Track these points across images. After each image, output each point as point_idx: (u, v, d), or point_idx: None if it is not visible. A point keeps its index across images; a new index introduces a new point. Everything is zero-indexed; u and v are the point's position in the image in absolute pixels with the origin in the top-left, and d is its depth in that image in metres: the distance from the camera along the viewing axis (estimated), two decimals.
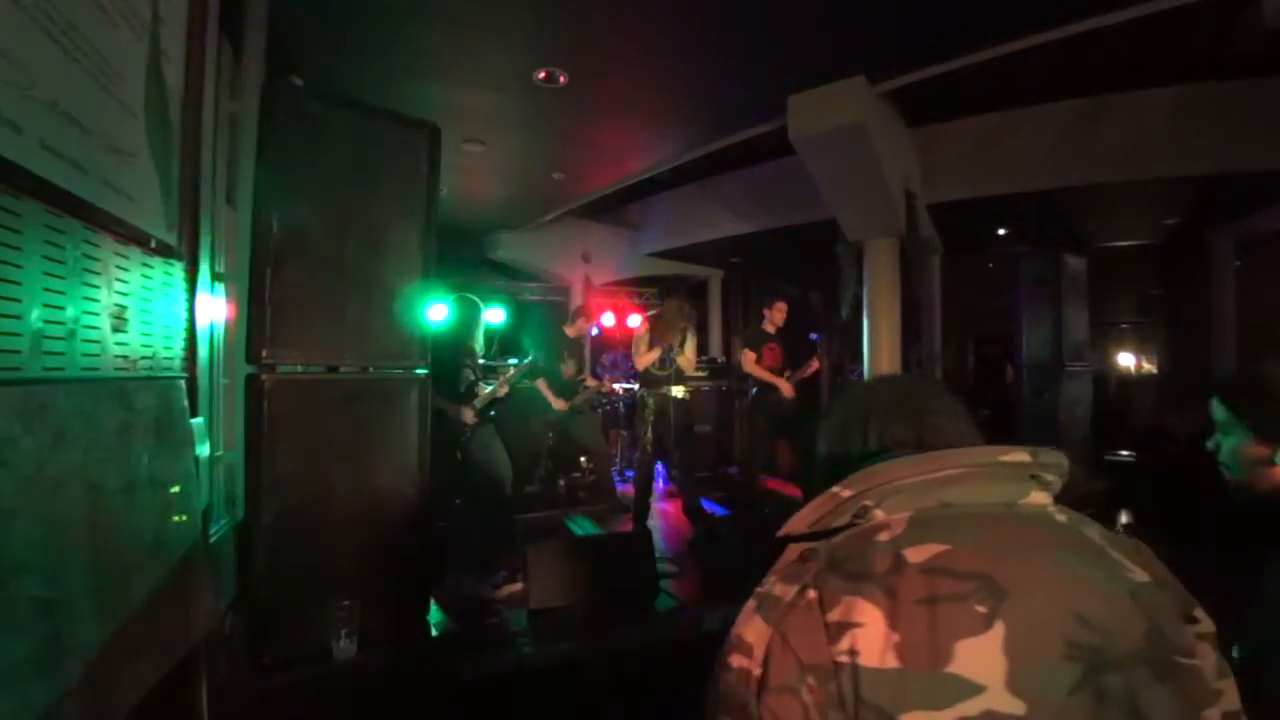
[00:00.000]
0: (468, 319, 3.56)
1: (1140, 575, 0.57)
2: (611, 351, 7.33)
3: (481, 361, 3.66)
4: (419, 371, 2.15)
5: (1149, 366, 8.98)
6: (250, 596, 1.79)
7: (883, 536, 0.56)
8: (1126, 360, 9.15)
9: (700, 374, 6.78)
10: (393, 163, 2.11)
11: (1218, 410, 1.12)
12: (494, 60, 3.93)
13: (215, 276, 2.46)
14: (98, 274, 1.14)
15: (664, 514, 4.69)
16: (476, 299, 3.65)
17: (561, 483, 5.23)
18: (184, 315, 1.57)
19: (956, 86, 4.48)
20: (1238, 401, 1.10)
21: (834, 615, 0.52)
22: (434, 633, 2.12)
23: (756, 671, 0.54)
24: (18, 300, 0.92)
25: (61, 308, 1.03)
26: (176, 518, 1.38)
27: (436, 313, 3.59)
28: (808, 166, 4.73)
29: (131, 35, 1.26)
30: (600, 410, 5.74)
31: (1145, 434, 6.07)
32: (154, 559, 1.26)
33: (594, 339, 8.20)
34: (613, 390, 5.78)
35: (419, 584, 2.15)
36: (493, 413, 3.62)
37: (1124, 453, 5.55)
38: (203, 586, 1.46)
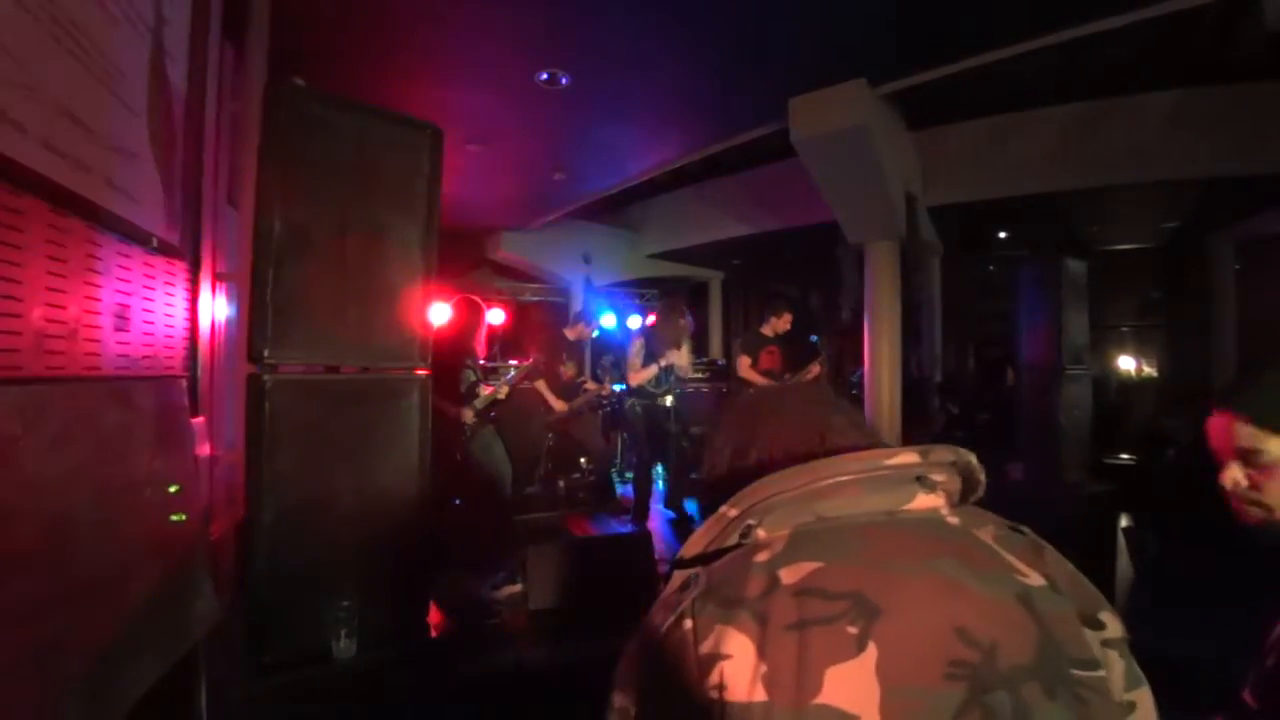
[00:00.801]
0: (469, 321, 3.57)
1: (1034, 579, 0.52)
2: (611, 353, 7.33)
3: (482, 363, 3.67)
4: (420, 372, 2.15)
5: (1149, 370, 8.98)
6: (250, 596, 1.78)
7: (761, 557, 0.52)
8: (1127, 363, 9.15)
9: (700, 375, 6.78)
10: (394, 163, 2.11)
11: None
12: (496, 61, 3.94)
13: (218, 276, 2.46)
14: (100, 273, 1.15)
15: (663, 515, 4.69)
16: (478, 301, 3.65)
17: (561, 484, 5.23)
18: (185, 314, 1.58)
19: (957, 89, 4.49)
20: None
21: (705, 647, 0.48)
22: (433, 633, 2.11)
23: (633, 710, 0.51)
24: (19, 299, 0.92)
25: (63, 306, 1.03)
26: (176, 517, 1.38)
27: (438, 314, 3.59)
28: (809, 169, 4.74)
29: (135, 35, 1.26)
30: (600, 412, 5.74)
31: (1145, 437, 6.07)
32: (153, 558, 1.26)
33: (594, 341, 8.20)
34: (612, 392, 5.78)
35: (419, 584, 2.15)
36: (493, 414, 3.62)
37: (1124, 456, 5.56)
38: (202, 586, 1.46)
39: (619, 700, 0.53)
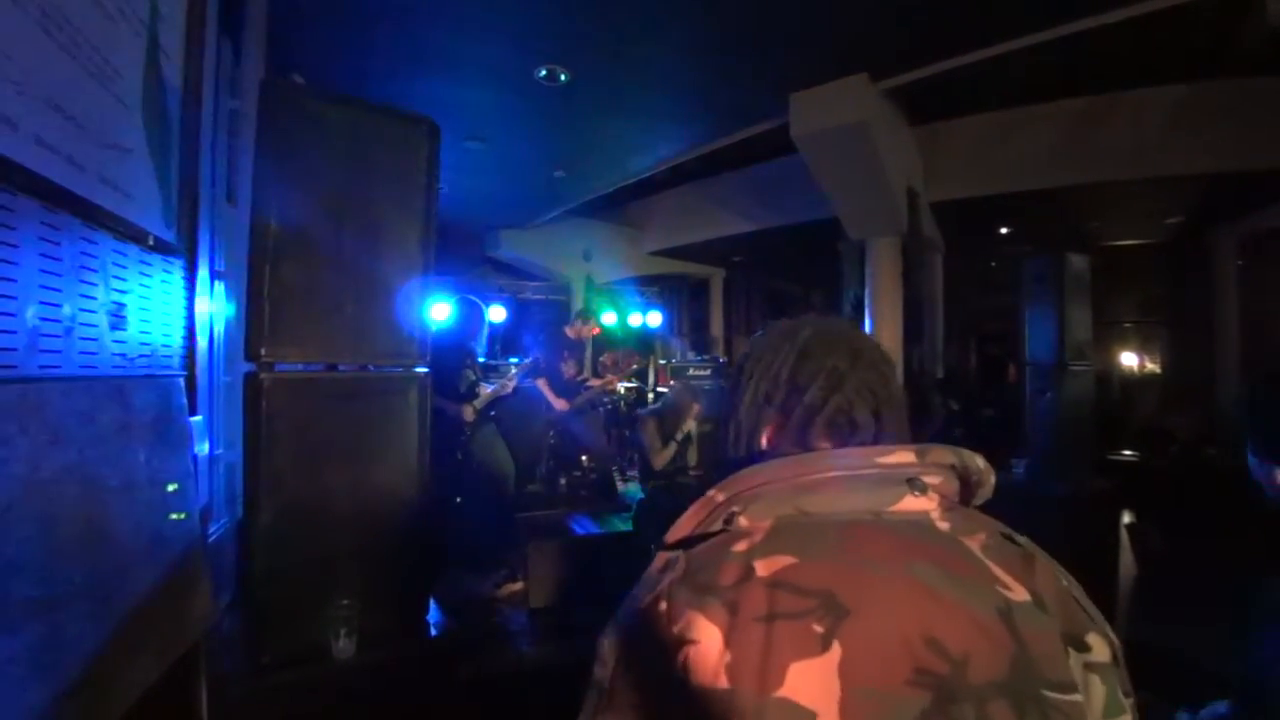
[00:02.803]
0: (469, 320, 3.58)
1: (1018, 594, 0.50)
2: (612, 351, 7.33)
3: (483, 361, 3.67)
4: (419, 370, 2.14)
5: (1152, 366, 8.97)
6: (249, 595, 1.78)
7: (739, 546, 0.52)
8: (1129, 359, 9.14)
9: (702, 373, 6.78)
10: (392, 160, 2.10)
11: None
12: (495, 57, 3.92)
13: (215, 274, 2.46)
14: (95, 271, 1.14)
15: None
16: (479, 300, 3.66)
17: (563, 482, 5.23)
18: (182, 312, 1.57)
19: (959, 85, 4.47)
20: (1239, 420, 1.09)
21: (676, 629, 0.49)
22: (434, 632, 2.11)
23: (607, 685, 0.51)
24: (14, 298, 0.91)
25: (58, 305, 1.02)
26: (174, 516, 1.37)
27: (438, 312, 3.58)
28: (810, 165, 4.72)
29: (130, 31, 1.25)
30: (601, 410, 5.73)
31: (1148, 433, 6.06)
32: (152, 558, 1.25)
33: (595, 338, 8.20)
34: (614, 389, 5.77)
35: (419, 583, 2.14)
36: (493, 412, 3.61)
37: (1127, 452, 5.55)
38: (201, 585, 1.45)
39: (596, 673, 0.53)
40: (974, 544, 0.53)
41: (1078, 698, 0.48)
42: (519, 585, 2.68)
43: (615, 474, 5.54)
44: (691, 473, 4.02)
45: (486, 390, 3.58)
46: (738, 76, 4.18)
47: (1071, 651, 0.50)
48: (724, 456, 0.66)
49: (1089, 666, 0.50)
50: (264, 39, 2.81)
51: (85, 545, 1.03)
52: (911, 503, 0.55)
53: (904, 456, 0.55)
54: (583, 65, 4.01)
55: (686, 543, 0.56)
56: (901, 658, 0.46)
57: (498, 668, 2.08)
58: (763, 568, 0.50)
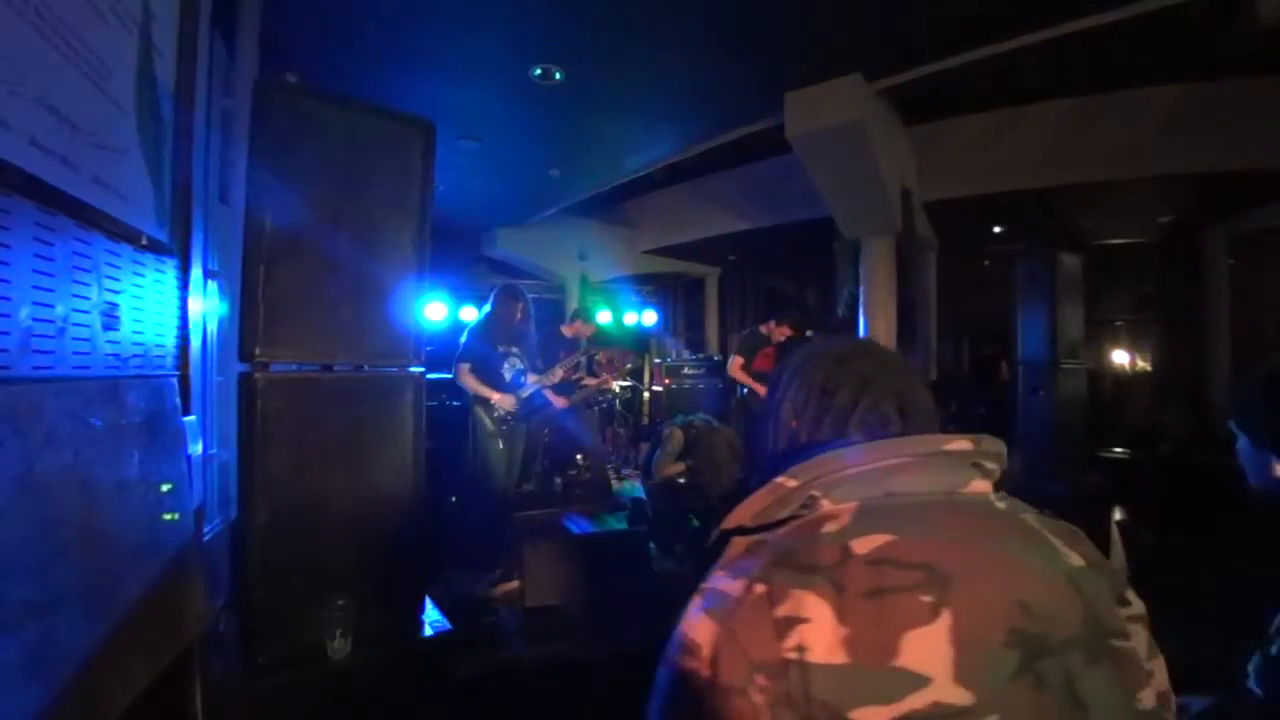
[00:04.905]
0: (507, 308, 3.55)
1: (1076, 559, 0.57)
2: (608, 350, 7.32)
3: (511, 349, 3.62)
4: (414, 370, 2.14)
5: (1143, 364, 9.03)
6: (244, 596, 1.78)
7: (829, 528, 0.55)
8: (1121, 358, 9.20)
9: (697, 371, 6.79)
10: (387, 159, 2.10)
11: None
12: (490, 56, 3.91)
13: (209, 274, 2.44)
14: (88, 271, 1.13)
15: None
16: (520, 288, 3.64)
17: (558, 480, 5.23)
18: (176, 313, 1.56)
19: (953, 85, 4.49)
20: (1232, 411, 1.10)
21: (782, 610, 0.50)
22: (429, 631, 2.11)
23: (705, 673, 0.51)
24: (8, 299, 0.91)
25: (51, 305, 1.02)
26: (169, 517, 1.37)
27: (433, 311, 3.55)
28: (805, 164, 4.73)
29: (123, 31, 1.25)
30: (596, 408, 5.73)
31: (1139, 431, 6.10)
32: (146, 559, 1.25)
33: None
34: (610, 388, 5.77)
35: (414, 582, 2.14)
36: (539, 403, 3.67)
37: (1118, 450, 5.58)
38: (196, 586, 1.45)
39: (685, 663, 0.53)
40: (1030, 519, 0.60)
41: (1132, 644, 0.55)
42: (514, 585, 2.68)
43: (611, 473, 5.54)
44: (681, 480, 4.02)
45: (534, 378, 3.59)
46: (732, 76, 4.19)
47: (1118, 607, 0.57)
48: (761, 452, 0.70)
49: (1131, 618, 0.57)
50: (257, 37, 2.80)
51: (80, 546, 1.02)
52: (977, 485, 0.61)
53: (964, 444, 0.60)
54: (577, 64, 4.00)
55: (748, 530, 0.59)
56: (999, 621, 0.51)
57: (493, 667, 2.08)
58: (860, 546, 0.53)
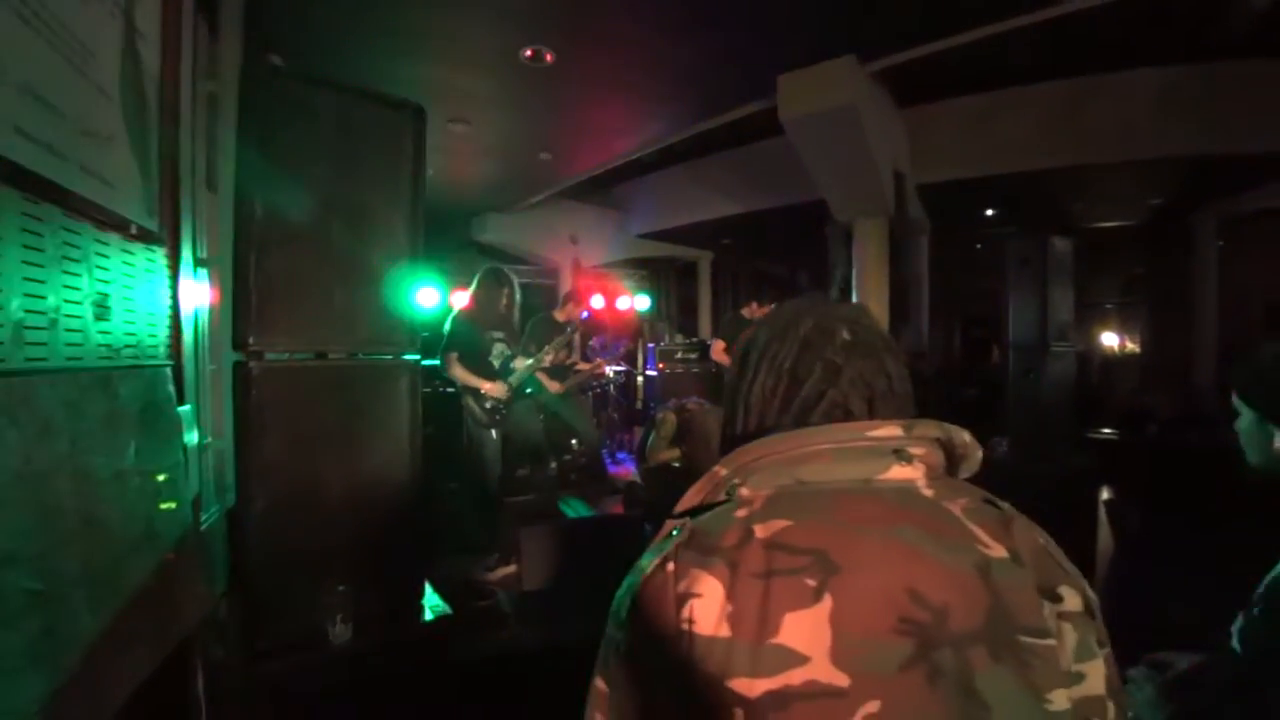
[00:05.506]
0: (491, 294, 3.48)
1: (995, 550, 0.55)
2: (601, 335, 7.32)
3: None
4: (408, 356, 2.14)
5: (1132, 346, 9.13)
6: (243, 583, 1.79)
7: (741, 513, 0.58)
8: (1110, 340, 9.29)
9: (691, 356, 6.80)
10: (377, 144, 2.07)
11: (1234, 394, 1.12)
12: (479, 38, 3.85)
13: (198, 262, 2.42)
14: (78, 261, 1.12)
15: None
16: (506, 271, 3.56)
17: (553, 465, 5.25)
18: (167, 302, 1.55)
19: (946, 67, 4.46)
20: (1240, 385, 1.10)
21: (682, 586, 0.54)
22: (428, 616, 2.13)
23: (619, 636, 0.57)
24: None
25: (42, 297, 1.01)
26: (166, 506, 1.37)
27: (426, 297, 3.50)
28: (797, 147, 4.71)
29: (105, 14, 1.22)
30: (590, 393, 5.74)
31: (1127, 412, 6.18)
32: (145, 548, 1.25)
33: (584, 321, 8.20)
34: (603, 373, 5.78)
35: (413, 567, 2.16)
36: (529, 390, 3.62)
37: (1106, 430, 5.66)
38: (195, 574, 1.46)
39: (610, 630, 0.59)
40: (955, 508, 0.58)
41: (1051, 642, 0.53)
42: (512, 568, 2.71)
43: (606, 456, 5.57)
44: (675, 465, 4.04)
45: (525, 363, 3.54)
46: (724, 57, 4.14)
47: (1045, 602, 0.54)
48: (729, 435, 0.71)
49: (1061, 615, 0.55)
50: (241, 18, 2.74)
51: (79, 536, 1.03)
52: (898, 472, 0.60)
53: (891, 430, 0.60)
54: (568, 46, 3.95)
55: (693, 513, 0.61)
56: (886, 608, 0.52)
57: (492, 650, 2.11)
58: (761, 530, 0.55)
